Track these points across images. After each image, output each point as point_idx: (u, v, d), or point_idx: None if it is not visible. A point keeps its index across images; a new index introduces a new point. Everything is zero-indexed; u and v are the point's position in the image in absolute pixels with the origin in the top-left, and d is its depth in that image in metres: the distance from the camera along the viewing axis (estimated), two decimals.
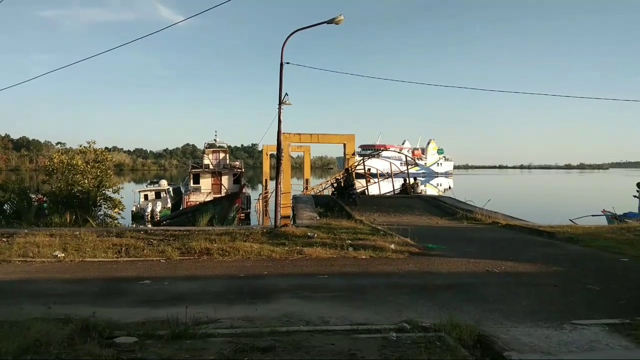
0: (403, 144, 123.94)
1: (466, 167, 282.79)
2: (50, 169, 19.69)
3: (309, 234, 13.18)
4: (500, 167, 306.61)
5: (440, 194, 45.28)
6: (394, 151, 71.47)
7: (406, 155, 60.00)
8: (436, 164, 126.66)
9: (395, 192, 34.81)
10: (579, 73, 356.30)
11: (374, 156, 50.79)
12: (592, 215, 22.03)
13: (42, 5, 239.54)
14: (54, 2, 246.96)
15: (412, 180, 35.71)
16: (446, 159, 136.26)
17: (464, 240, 13.73)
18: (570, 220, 18.97)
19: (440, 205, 23.85)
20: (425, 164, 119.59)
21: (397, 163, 57.73)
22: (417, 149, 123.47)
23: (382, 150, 77.07)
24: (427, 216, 20.52)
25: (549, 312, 6.54)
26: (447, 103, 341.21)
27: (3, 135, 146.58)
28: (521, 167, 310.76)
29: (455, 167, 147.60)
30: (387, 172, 43.94)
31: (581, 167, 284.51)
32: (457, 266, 9.87)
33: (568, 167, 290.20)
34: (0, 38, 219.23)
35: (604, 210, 23.28)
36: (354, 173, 30.96)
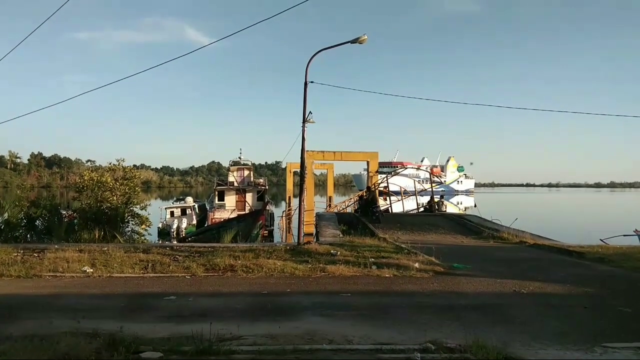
0: (422, 161, 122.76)
1: (492, 185, 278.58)
2: (81, 186, 20.20)
3: (332, 251, 13.15)
4: (528, 185, 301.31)
5: (461, 212, 44.58)
6: (412, 168, 70.49)
7: (430, 173, 59.48)
8: (456, 182, 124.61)
9: (419, 210, 34.53)
10: (608, 89, 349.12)
11: (395, 174, 50.50)
12: (624, 235, 21.35)
13: (77, 26, 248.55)
14: (87, 24, 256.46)
15: (437, 198, 35.35)
16: (467, 177, 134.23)
17: (490, 259, 13.49)
18: (601, 240, 18.41)
19: (465, 224, 23.53)
20: (445, 181, 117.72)
21: (417, 181, 57.32)
22: (436, 166, 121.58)
23: (402, 169, 76.41)
24: (452, 235, 20.25)
25: (578, 335, 6.36)
26: (472, 121, 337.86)
27: (36, 153, 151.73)
28: (549, 185, 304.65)
29: (478, 185, 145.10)
30: (410, 190, 43.67)
31: (612, 185, 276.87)
32: (484, 286, 9.69)
33: (598, 185, 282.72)
34: (37, 60, 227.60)
35: (636, 230, 22.53)
36: (377, 191, 30.87)
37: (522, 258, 13.86)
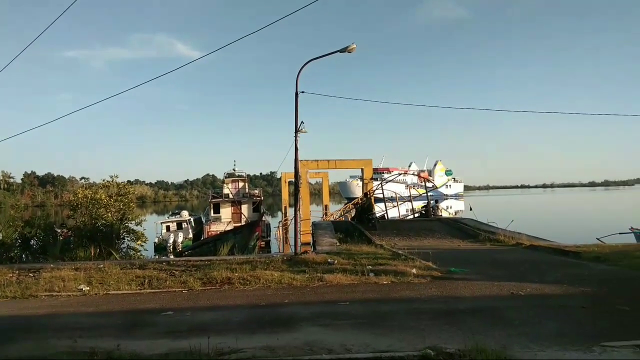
0: (409, 166, 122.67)
1: (487, 187, 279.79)
2: (75, 204, 20.09)
3: (329, 260, 13.14)
4: (522, 186, 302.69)
5: (456, 216, 44.64)
6: (402, 174, 70.04)
7: (425, 179, 59.59)
8: (445, 186, 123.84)
9: (415, 216, 34.56)
10: (600, 88, 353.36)
11: (389, 180, 50.56)
12: (620, 234, 21.45)
13: (66, 45, 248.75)
14: (77, 42, 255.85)
15: (432, 203, 35.38)
16: (455, 180, 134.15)
17: (487, 262, 13.52)
18: (597, 239, 18.49)
19: (461, 228, 23.57)
20: (433, 186, 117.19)
21: (405, 186, 57.39)
22: (424, 171, 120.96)
23: (389, 174, 76.22)
24: (448, 239, 20.28)
25: (577, 335, 6.37)
26: (465, 125, 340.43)
27: (29, 172, 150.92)
28: (544, 186, 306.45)
29: (471, 189, 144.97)
30: (405, 196, 43.73)
31: (606, 184, 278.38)
32: (481, 289, 9.70)
33: (592, 184, 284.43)
34: (28, 79, 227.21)
35: (632, 227, 22.68)
36: (372, 197, 30.90)
37: (519, 260, 13.90)
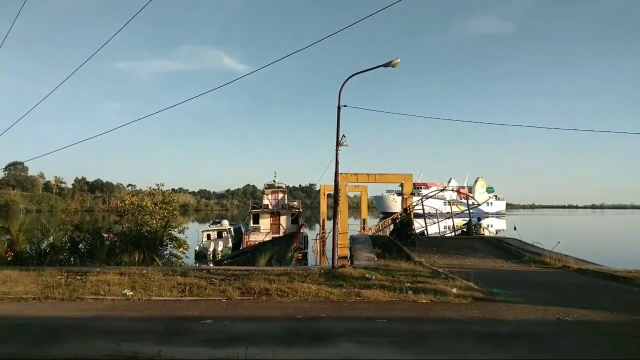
0: (449, 182, 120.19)
1: (532, 206, 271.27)
2: (122, 210, 20.75)
3: (366, 275, 13.03)
4: (570, 206, 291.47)
5: (499, 235, 43.38)
6: (438, 190, 68.89)
7: (465, 195, 58.30)
8: (485, 204, 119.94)
9: (456, 233, 33.85)
10: None
11: (430, 196, 49.83)
12: None
13: (118, 57, 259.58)
14: (127, 54, 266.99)
15: (474, 221, 34.58)
16: (497, 198, 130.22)
17: (531, 285, 13.05)
18: None
19: (505, 248, 22.88)
20: (473, 203, 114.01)
21: (441, 203, 56.08)
22: (464, 187, 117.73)
23: (436, 190, 74.82)
24: (491, 259, 19.73)
25: None
26: (508, 142, 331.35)
27: (80, 178, 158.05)
28: (592, 206, 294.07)
29: (516, 207, 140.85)
30: (445, 212, 42.93)
31: None
32: (525, 313, 9.36)
33: None
34: (80, 88, 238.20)
35: None
36: (412, 213, 30.50)
37: (566, 283, 13.36)
